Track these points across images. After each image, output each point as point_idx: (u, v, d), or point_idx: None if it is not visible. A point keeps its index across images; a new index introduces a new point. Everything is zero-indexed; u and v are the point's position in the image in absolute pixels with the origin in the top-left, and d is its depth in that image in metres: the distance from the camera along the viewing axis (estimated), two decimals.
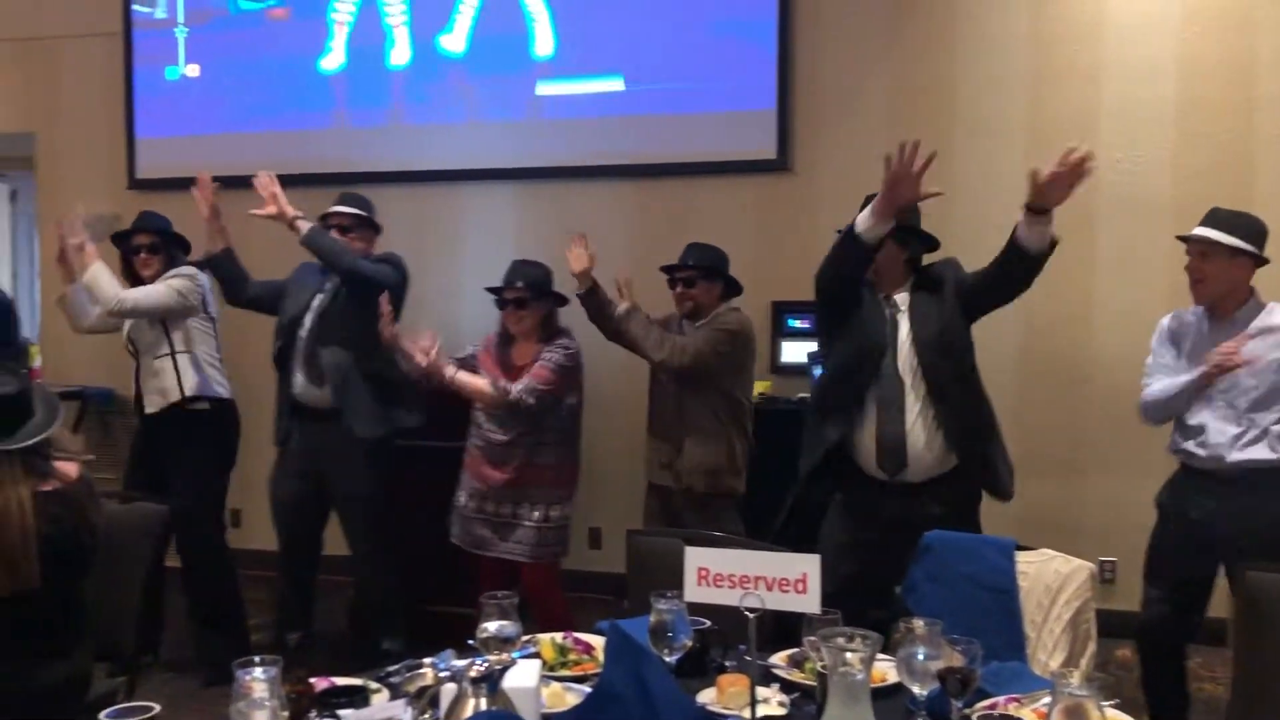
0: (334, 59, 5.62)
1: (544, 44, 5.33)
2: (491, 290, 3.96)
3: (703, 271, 3.95)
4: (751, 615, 1.84)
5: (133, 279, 4.24)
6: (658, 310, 4.13)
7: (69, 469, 2.59)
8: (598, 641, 2.22)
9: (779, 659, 2.20)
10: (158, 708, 1.65)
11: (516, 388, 3.71)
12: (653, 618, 1.97)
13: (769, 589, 1.89)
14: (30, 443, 2.50)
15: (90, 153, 6.08)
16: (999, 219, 3.28)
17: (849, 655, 1.52)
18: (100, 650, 2.81)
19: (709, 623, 2.16)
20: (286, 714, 1.67)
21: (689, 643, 1.99)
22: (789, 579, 1.89)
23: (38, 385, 2.70)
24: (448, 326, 4.99)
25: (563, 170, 5.36)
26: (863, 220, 2.97)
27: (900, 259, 3.22)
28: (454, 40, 5.45)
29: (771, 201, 5.15)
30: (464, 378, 3.78)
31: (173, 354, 4.19)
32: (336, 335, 4.02)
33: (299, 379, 4.07)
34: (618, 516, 4.89)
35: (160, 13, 5.88)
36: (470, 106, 5.46)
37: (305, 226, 3.96)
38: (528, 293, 3.82)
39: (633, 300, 3.94)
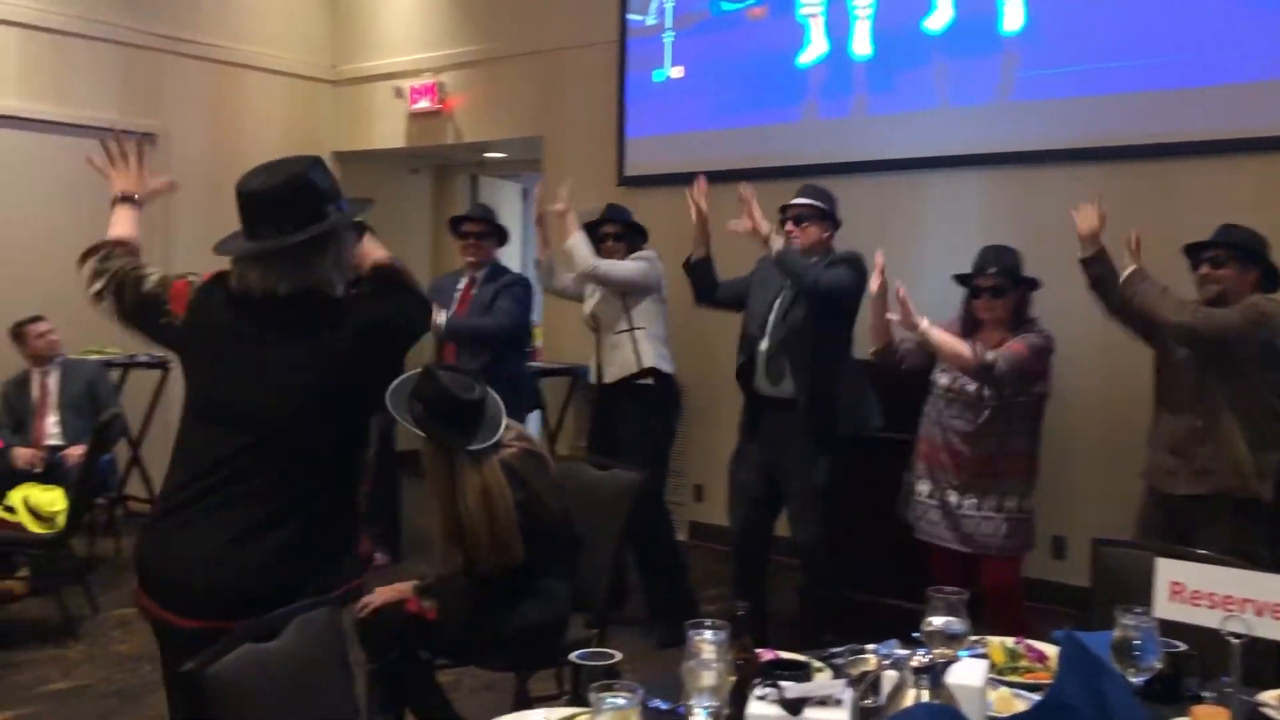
0: (812, 52, 5.72)
1: (1015, 21, 5.08)
2: (960, 278, 3.84)
3: (1238, 252, 3.49)
4: (1235, 641, 1.65)
5: None
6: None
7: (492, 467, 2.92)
8: (1052, 651, 2.09)
9: (1270, 697, 1.93)
10: (619, 655, 1.80)
11: (992, 354, 3.56)
12: (1117, 633, 1.81)
13: (1259, 614, 1.68)
14: (485, 445, 2.87)
15: (587, 153, 6.68)
16: None
17: None
18: (578, 603, 3.13)
19: (1184, 646, 1.96)
20: (733, 678, 1.74)
21: (1158, 665, 1.81)
22: None
23: (490, 393, 3.04)
24: None
25: (1034, 154, 5.06)
26: None
27: None
28: (932, 20, 5.35)
29: None
30: (939, 334, 3.64)
31: (631, 330, 4.60)
32: (798, 338, 4.08)
33: (760, 375, 4.18)
34: (1085, 525, 4.55)
35: (651, 19, 6.34)
36: (939, 92, 5.33)
37: (777, 245, 4.04)
38: (1002, 280, 3.68)
39: (1139, 262, 3.58)
